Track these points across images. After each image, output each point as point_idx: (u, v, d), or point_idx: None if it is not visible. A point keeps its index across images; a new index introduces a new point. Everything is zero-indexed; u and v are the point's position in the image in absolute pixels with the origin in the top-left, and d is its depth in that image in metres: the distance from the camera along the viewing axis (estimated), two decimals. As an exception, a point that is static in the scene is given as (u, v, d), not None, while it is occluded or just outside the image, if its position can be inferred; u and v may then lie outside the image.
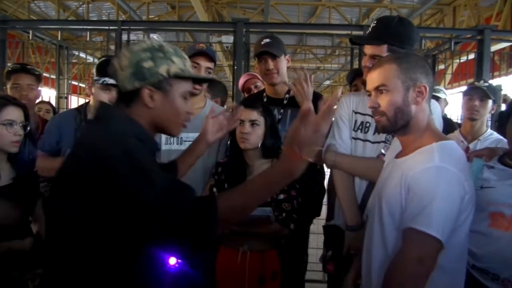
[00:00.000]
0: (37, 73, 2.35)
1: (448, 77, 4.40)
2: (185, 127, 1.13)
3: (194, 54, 1.91)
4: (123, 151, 0.92)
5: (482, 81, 2.36)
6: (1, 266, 1.48)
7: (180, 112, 1.08)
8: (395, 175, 1.16)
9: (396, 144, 1.34)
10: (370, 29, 1.60)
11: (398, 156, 1.25)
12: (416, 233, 1.03)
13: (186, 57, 1.09)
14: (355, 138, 1.64)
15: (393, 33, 1.55)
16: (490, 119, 2.72)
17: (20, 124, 1.56)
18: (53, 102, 4.00)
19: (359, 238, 1.41)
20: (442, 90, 3.26)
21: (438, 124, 1.50)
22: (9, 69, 2.33)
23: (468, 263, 1.53)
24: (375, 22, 1.60)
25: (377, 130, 1.22)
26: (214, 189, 1.77)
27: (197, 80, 1.18)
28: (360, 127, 1.63)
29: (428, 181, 1.05)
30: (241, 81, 2.91)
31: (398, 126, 1.17)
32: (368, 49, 1.57)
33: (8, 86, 2.27)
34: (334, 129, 1.69)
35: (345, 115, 1.67)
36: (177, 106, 1.07)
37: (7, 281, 1.49)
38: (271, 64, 1.96)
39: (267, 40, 1.99)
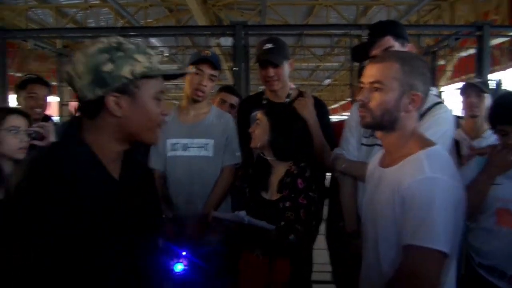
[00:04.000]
0: (49, 85, 2.37)
1: (449, 72, 4.41)
2: (160, 132, 1.01)
3: (198, 60, 1.92)
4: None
5: (474, 78, 2.42)
6: None
7: (153, 115, 0.96)
8: (385, 188, 1.11)
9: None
10: (367, 36, 1.62)
11: (383, 163, 1.20)
12: (417, 249, 0.97)
13: (151, 52, 0.96)
14: (367, 145, 1.63)
15: (388, 24, 1.62)
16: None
17: (25, 132, 1.58)
18: (55, 109, 4.02)
19: (359, 245, 1.43)
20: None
21: (447, 140, 1.45)
22: (26, 78, 2.30)
23: (474, 262, 1.55)
24: (368, 30, 1.65)
25: (360, 124, 1.20)
26: (247, 190, 1.80)
27: (169, 76, 1.00)
28: (373, 133, 1.59)
29: (422, 194, 1.00)
30: None
31: (381, 126, 1.14)
32: (376, 50, 1.54)
33: (23, 95, 2.25)
34: (342, 139, 1.72)
35: (354, 123, 1.68)
36: (148, 109, 0.95)
37: None
38: (271, 71, 1.93)
39: (269, 45, 1.93)
